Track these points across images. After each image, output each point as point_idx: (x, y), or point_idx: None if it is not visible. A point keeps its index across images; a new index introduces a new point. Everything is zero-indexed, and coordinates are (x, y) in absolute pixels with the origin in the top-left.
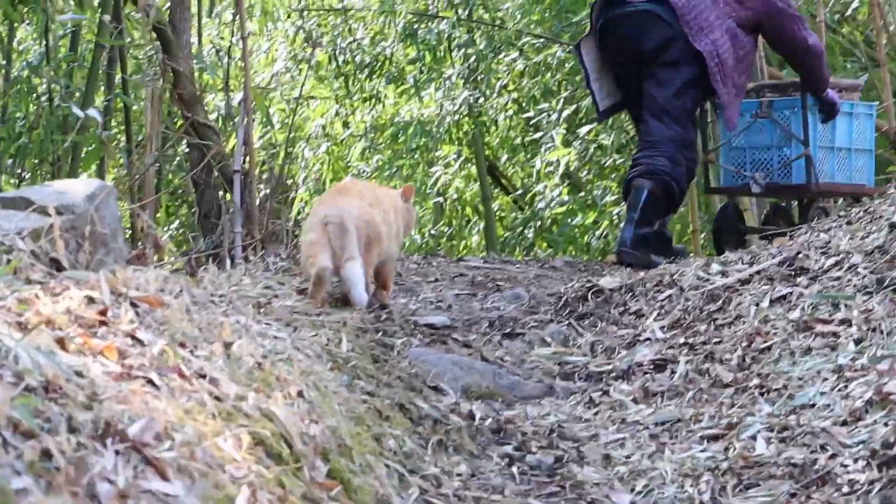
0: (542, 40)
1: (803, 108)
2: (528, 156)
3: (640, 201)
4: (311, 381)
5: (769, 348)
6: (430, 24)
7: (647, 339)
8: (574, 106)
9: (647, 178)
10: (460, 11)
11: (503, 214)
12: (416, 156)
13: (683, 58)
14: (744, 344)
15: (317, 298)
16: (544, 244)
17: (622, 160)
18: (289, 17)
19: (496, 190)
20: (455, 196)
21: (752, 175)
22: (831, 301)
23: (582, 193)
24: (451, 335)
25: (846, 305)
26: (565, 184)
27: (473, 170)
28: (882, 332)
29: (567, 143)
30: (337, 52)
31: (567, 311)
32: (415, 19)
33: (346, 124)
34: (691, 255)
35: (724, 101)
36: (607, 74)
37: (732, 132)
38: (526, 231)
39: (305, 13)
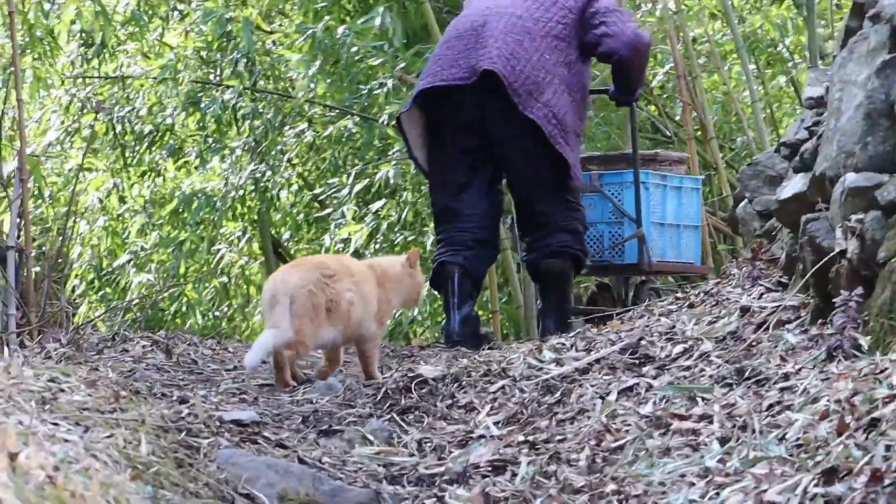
0: (332, 112)
1: (636, 184)
2: (316, 233)
3: (557, 289)
4: (111, 496)
5: (622, 447)
6: (214, 92)
7: (482, 436)
8: (366, 181)
9: (555, 258)
10: (246, 80)
11: None
12: (199, 231)
13: (525, 126)
14: (592, 442)
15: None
16: None
17: (413, 237)
18: (63, 83)
19: None
20: (238, 274)
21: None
22: (686, 394)
23: None
24: (262, 433)
25: (703, 399)
26: None
27: (257, 247)
28: (751, 430)
29: (359, 220)
30: (115, 122)
31: (388, 405)
32: (198, 87)
33: (122, 199)
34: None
35: (570, 161)
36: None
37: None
38: None
39: (80, 80)
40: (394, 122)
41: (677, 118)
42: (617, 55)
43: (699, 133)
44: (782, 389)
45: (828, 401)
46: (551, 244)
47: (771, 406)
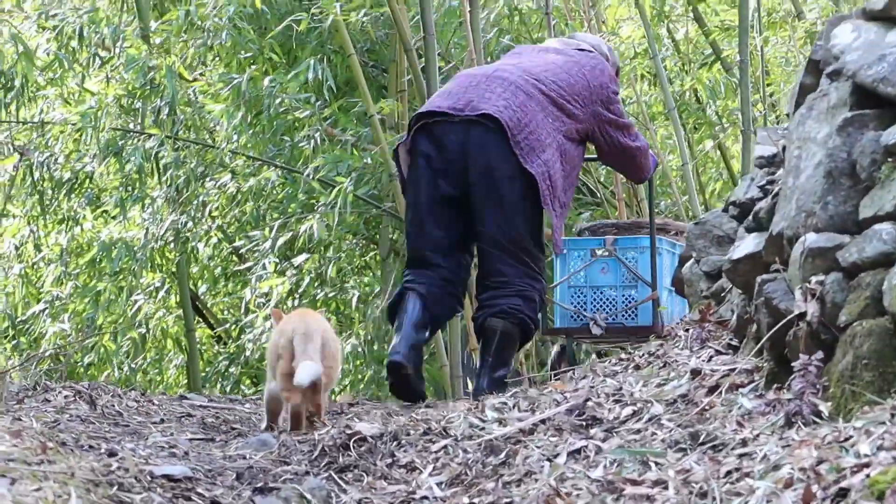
0: (255, 164)
1: (652, 249)
2: (236, 286)
3: (497, 346)
4: None
5: None
6: (135, 141)
7: (424, 497)
8: (289, 234)
9: (502, 318)
10: (168, 129)
11: (204, 348)
12: (118, 281)
13: (517, 178)
14: None
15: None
16: (248, 380)
17: (334, 293)
18: None
19: (198, 322)
20: (155, 326)
21: (593, 316)
22: (638, 458)
23: None
24: (195, 489)
25: (657, 463)
26: None
27: (175, 300)
28: (710, 498)
29: (280, 273)
30: (33, 167)
31: (325, 462)
32: (119, 135)
33: (38, 247)
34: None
35: (554, 224)
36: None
37: (559, 254)
38: (231, 367)
39: None
40: (392, 152)
41: (602, 180)
42: (637, 171)
43: (627, 197)
44: (740, 456)
45: (791, 468)
46: (502, 305)
47: (729, 473)
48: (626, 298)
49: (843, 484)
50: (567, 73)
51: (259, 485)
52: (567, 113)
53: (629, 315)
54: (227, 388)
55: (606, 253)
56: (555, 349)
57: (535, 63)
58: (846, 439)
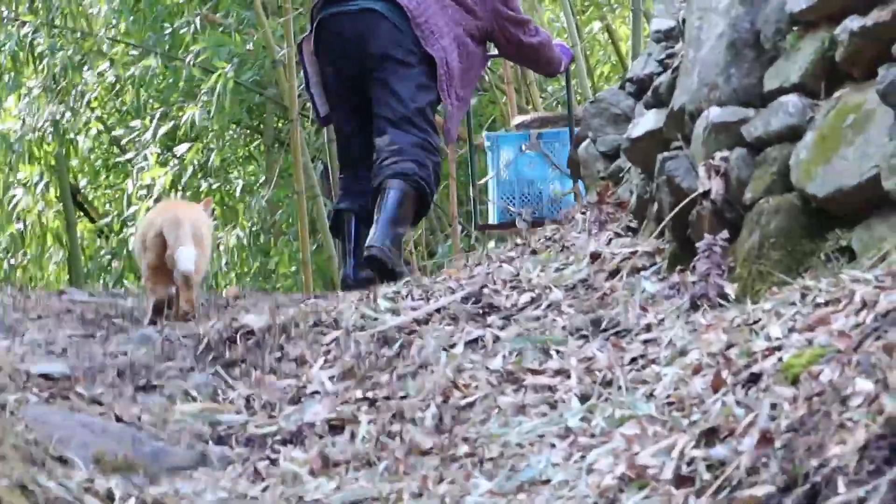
0: (135, 51)
1: (571, 140)
2: (117, 178)
3: (393, 202)
4: None
5: (472, 405)
6: (10, 28)
7: (316, 392)
8: (171, 123)
9: (397, 178)
10: (43, 16)
11: (86, 243)
12: None
13: (413, 60)
14: (438, 399)
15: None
16: (132, 276)
17: (218, 184)
18: None
19: (79, 216)
20: (35, 221)
21: (519, 210)
22: (538, 346)
23: None
24: (74, 388)
25: (558, 352)
26: None
27: (54, 194)
28: (616, 387)
29: (163, 164)
30: None
31: (211, 357)
32: None
33: None
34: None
35: (448, 112)
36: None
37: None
38: (113, 262)
39: None
40: (296, 46)
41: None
42: (544, 65)
43: (515, 82)
44: (645, 342)
45: (699, 354)
46: (396, 168)
47: (634, 360)
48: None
49: (755, 368)
50: None
51: (142, 382)
52: (466, 9)
53: (553, 208)
54: (111, 284)
55: (531, 146)
56: None
57: None
58: (755, 322)
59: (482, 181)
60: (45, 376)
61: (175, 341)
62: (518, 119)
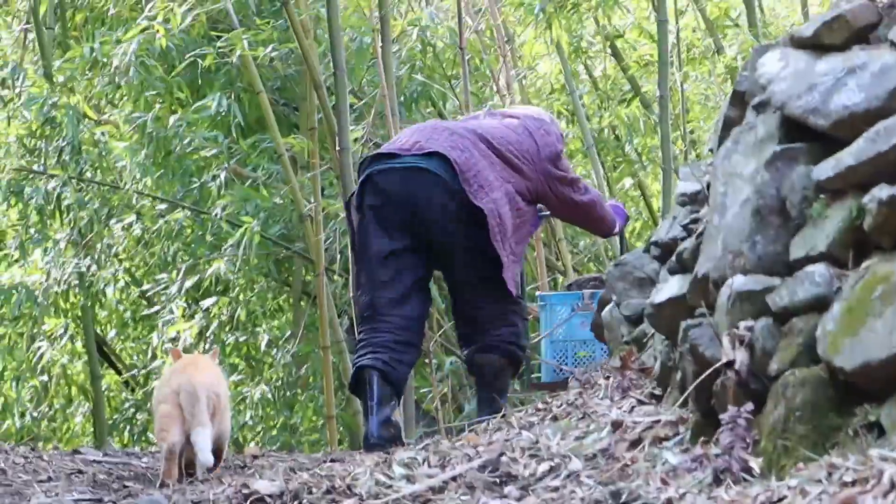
0: (162, 205)
1: None
2: (143, 330)
3: (486, 377)
4: None
5: None
6: (37, 181)
7: None
8: (196, 277)
9: (485, 352)
10: (71, 170)
11: (112, 395)
12: (19, 326)
13: (465, 218)
14: None
15: (170, 473)
16: None
17: (245, 337)
18: None
19: (105, 368)
20: (59, 373)
21: (571, 370)
22: None
23: None
24: None
25: None
26: None
27: (80, 345)
28: None
29: (188, 317)
30: None
31: None
32: (20, 176)
33: None
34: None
35: (504, 265)
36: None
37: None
38: (138, 414)
39: None
40: (343, 204)
41: None
42: (597, 224)
43: (544, 235)
44: None
45: None
46: (486, 338)
47: None
48: (605, 352)
49: None
50: (514, 132)
51: None
52: (515, 168)
53: None
54: (135, 436)
55: (584, 307)
56: None
57: (481, 124)
58: (780, 500)
59: (535, 340)
60: None
61: None
62: (571, 279)
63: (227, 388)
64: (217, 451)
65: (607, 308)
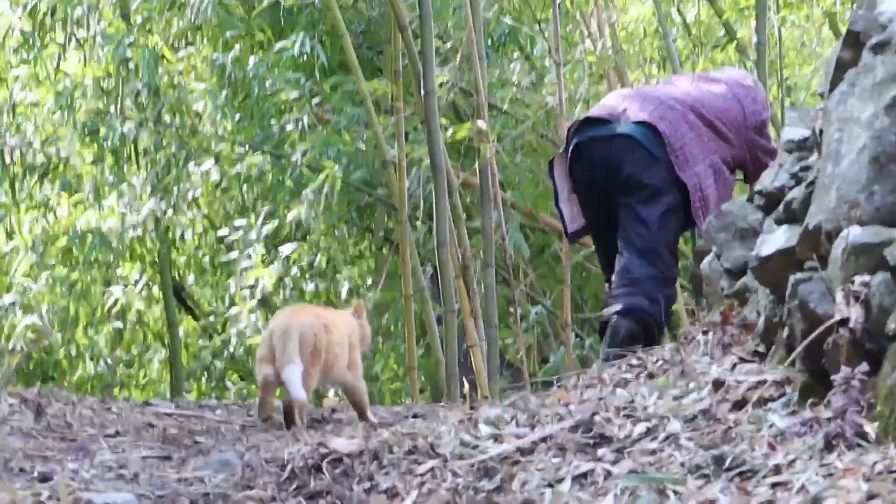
0: (241, 148)
1: None
2: (221, 276)
3: (618, 341)
4: None
5: None
6: (114, 123)
7: None
8: (276, 223)
9: (627, 317)
10: (148, 112)
11: (189, 342)
12: (94, 272)
13: (664, 188)
14: None
15: (265, 404)
16: (236, 376)
17: (324, 285)
18: None
19: (183, 314)
20: (136, 320)
21: None
22: (654, 486)
23: None
24: None
25: (675, 492)
26: (263, 309)
27: (157, 291)
28: None
29: (267, 264)
30: (3, 152)
31: (295, 487)
32: (97, 117)
33: (10, 235)
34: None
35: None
36: (576, 196)
37: None
38: (216, 361)
39: None
40: (547, 164)
41: None
42: None
43: None
44: (774, 485)
45: None
46: (628, 305)
47: None
48: None
49: None
50: (722, 98)
51: None
52: (722, 137)
53: None
54: (213, 384)
55: None
56: None
57: (690, 92)
58: None
59: None
60: None
61: (257, 467)
62: None
63: (347, 337)
64: (355, 405)
65: (706, 260)
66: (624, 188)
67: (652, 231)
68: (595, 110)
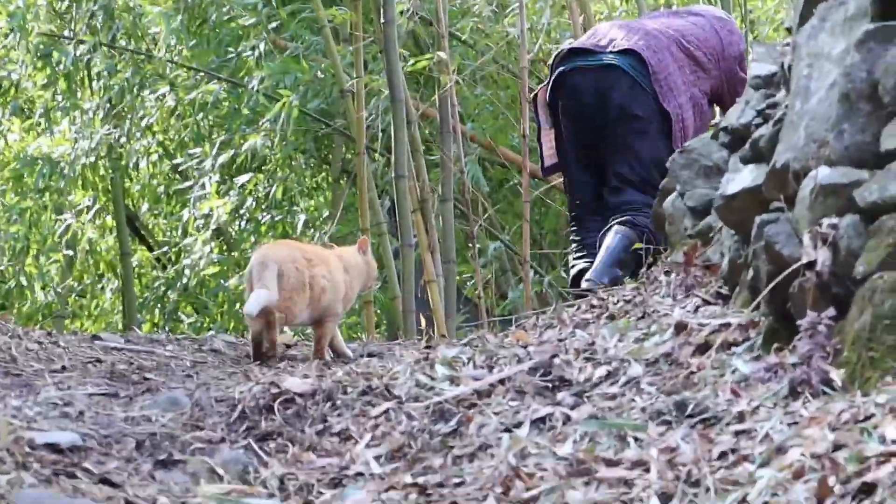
0: (197, 75)
1: None
2: (176, 206)
3: (621, 244)
4: None
5: (535, 498)
6: (67, 47)
7: (359, 473)
8: (231, 152)
9: (628, 225)
10: (102, 36)
11: (143, 272)
12: (44, 199)
13: (652, 117)
14: (497, 489)
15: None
16: (189, 308)
17: (280, 216)
18: None
19: (136, 244)
20: (88, 249)
21: None
22: (614, 431)
23: (235, 253)
24: (82, 463)
25: (636, 439)
26: (218, 240)
27: (110, 220)
28: (703, 488)
29: (222, 194)
30: None
31: (245, 428)
32: (49, 40)
33: None
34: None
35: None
36: (554, 129)
37: None
38: (169, 292)
39: None
40: (530, 98)
41: None
42: None
43: None
44: (737, 433)
45: (800, 454)
46: (628, 217)
47: (724, 454)
48: None
49: (868, 477)
50: (701, 29)
51: (162, 456)
52: (702, 67)
53: None
54: (165, 315)
55: None
56: None
57: (672, 23)
58: (867, 418)
59: None
60: (52, 447)
61: (206, 406)
62: None
63: (343, 272)
64: (317, 342)
65: (670, 198)
66: (614, 119)
67: (644, 164)
68: (580, 41)
